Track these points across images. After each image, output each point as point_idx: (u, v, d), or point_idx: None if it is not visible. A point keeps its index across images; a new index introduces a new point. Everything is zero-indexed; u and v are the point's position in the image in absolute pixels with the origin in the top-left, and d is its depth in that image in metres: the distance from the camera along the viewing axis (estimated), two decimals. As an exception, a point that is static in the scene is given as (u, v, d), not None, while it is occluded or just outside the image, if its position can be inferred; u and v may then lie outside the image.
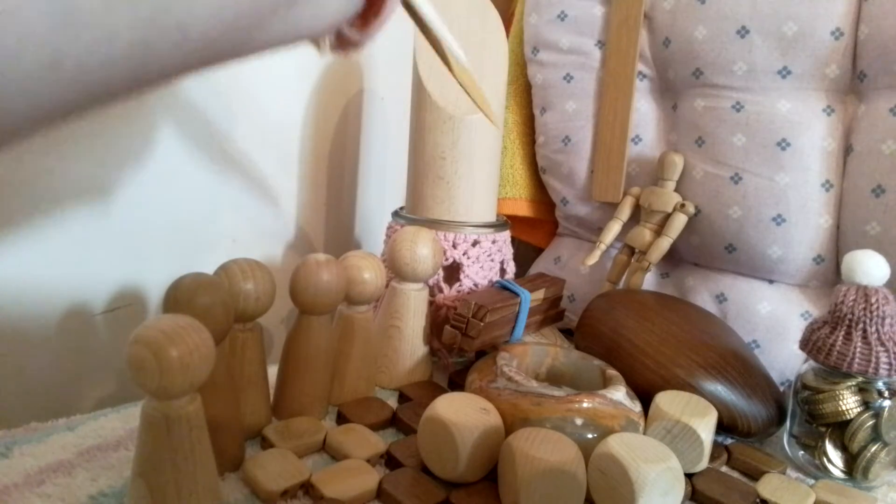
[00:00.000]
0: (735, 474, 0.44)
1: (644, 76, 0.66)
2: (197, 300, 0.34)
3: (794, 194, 0.57)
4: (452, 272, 0.57)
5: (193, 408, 0.31)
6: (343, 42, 0.24)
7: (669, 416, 0.41)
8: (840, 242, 0.57)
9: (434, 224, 0.55)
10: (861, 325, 0.43)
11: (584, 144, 0.69)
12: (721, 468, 0.44)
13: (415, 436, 0.40)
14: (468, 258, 0.56)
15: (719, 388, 0.46)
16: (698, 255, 0.64)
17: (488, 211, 0.59)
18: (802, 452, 0.46)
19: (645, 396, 0.44)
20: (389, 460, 0.40)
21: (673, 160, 0.62)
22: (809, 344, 0.46)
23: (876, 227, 0.54)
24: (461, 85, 0.31)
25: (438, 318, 0.55)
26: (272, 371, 0.44)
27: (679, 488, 0.35)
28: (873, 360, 0.42)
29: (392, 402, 0.48)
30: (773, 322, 0.58)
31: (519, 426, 0.38)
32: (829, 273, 0.58)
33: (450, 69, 0.30)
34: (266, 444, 0.40)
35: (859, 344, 0.43)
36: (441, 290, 0.56)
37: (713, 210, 0.61)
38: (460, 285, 0.56)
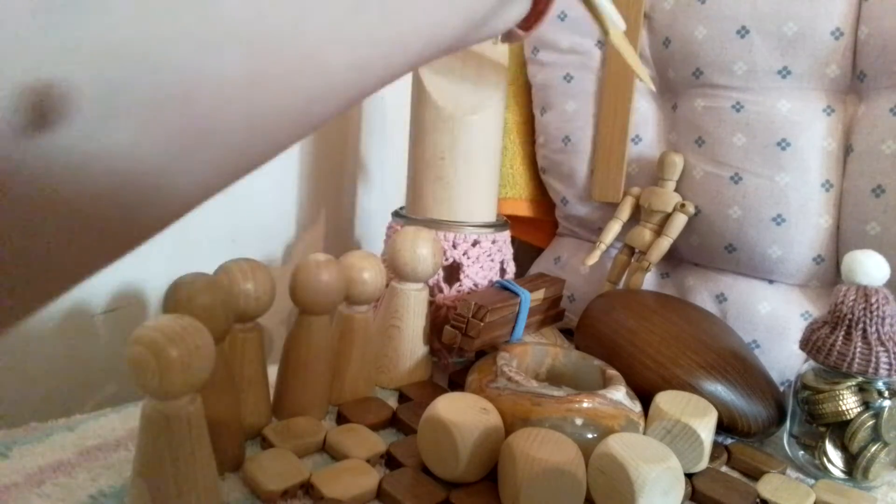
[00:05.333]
0: (735, 474, 0.44)
1: (644, 76, 0.66)
2: (197, 300, 0.34)
3: (794, 194, 0.57)
4: (452, 272, 0.57)
5: (193, 408, 0.31)
6: (510, 36, 0.28)
7: (669, 416, 0.41)
8: (840, 242, 0.57)
9: (434, 224, 0.55)
10: (861, 325, 0.43)
11: (584, 144, 0.69)
12: (721, 468, 0.44)
13: (415, 436, 0.40)
14: (468, 258, 0.56)
15: (719, 388, 0.46)
16: (698, 255, 0.64)
17: (488, 211, 0.59)
18: (802, 452, 0.46)
19: (645, 396, 0.44)
20: (389, 460, 0.40)
21: (673, 160, 0.62)
22: (809, 344, 0.46)
23: (876, 227, 0.54)
24: (619, 49, 0.33)
25: (438, 318, 0.55)
26: (272, 371, 0.44)
27: (679, 488, 0.35)
28: (873, 360, 0.42)
29: (392, 402, 0.48)
30: (773, 322, 0.58)
31: (519, 426, 0.38)
32: (829, 273, 0.58)
33: (606, 35, 0.32)
34: (266, 444, 0.40)
35: (859, 344, 0.43)
36: (441, 290, 0.56)
37: (713, 210, 0.61)
38: (460, 285, 0.56)
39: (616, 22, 0.31)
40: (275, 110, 0.14)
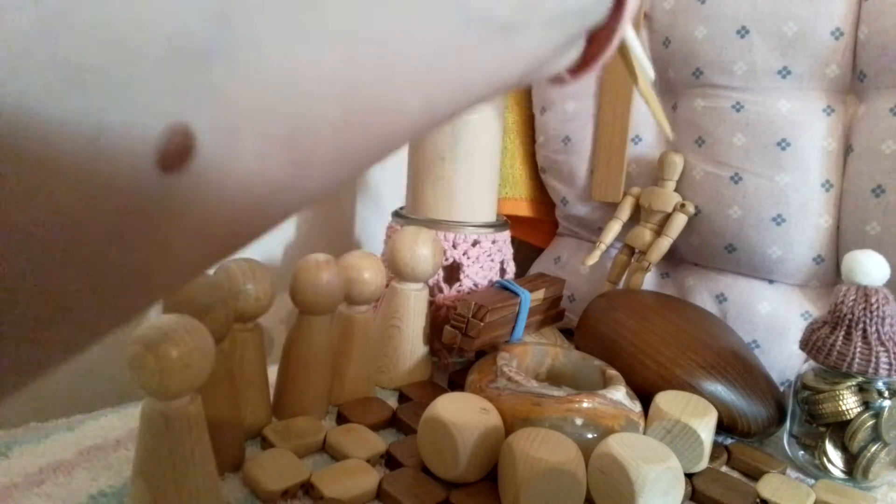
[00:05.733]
0: (735, 474, 0.44)
1: (644, 76, 0.66)
2: (197, 300, 0.34)
3: (794, 194, 0.57)
4: (452, 272, 0.57)
5: (193, 408, 0.31)
6: (557, 80, 0.28)
7: (669, 416, 0.41)
8: (840, 242, 0.57)
9: (434, 224, 0.55)
10: (861, 326, 0.43)
11: (584, 144, 0.69)
12: (721, 468, 0.44)
13: (415, 436, 0.40)
14: (468, 258, 0.56)
15: (719, 388, 0.46)
16: (698, 255, 0.64)
17: (488, 211, 0.59)
18: (802, 452, 0.46)
19: (645, 396, 0.44)
20: (389, 460, 0.40)
21: (673, 160, 0.62)
22: (809, 344, 0.46)
23: (876, 227, 0.54)
24: (644, 99, 0.33)
25: (438, 318, 0.55)
26: (272, 371, 0.44)
27: (679, 488, 0.35)
28: (873, 360, 0.42)
29: (392, 402, 0.48)
30: (773, 322, 0.58)
31: (519, 426, 0.38)
32: (829, 273, 0.58)
33: (635, 82, 0.32)
34: (266, 444, 0.40)
35: (859, 344, 0.43)
36: (441, 290, 0.56)
37: (713, 210, 0.61)
38: (460, 285, 0.56)
39: (647, 71, 0.32)
40: (358, 149, 0.17)
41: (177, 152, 0.12)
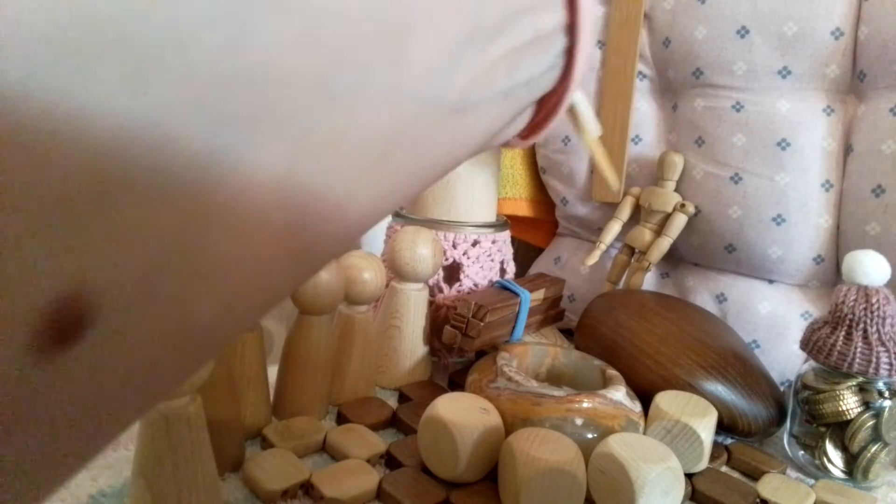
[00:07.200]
0: (735, 474, 0.44)
1: (644, 76, 0.66)
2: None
3: (794, 194, 0.57)
4: (452, 272, 0.57)
5: (193, 408, 0.31)
6: (507, 144, 0.29)
7: (669, 416, 0.41)
8: (840, 242, 0.57)
9: (434, 224, 0.55)
10: (862, 326, 0.43)
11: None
12: (721, 468, 0.44)
13: (415, 436, 0.40)
14: (468, 258, 0.56)
15: (719, 388, 0.46)
16: (698, 255, 0.64)
17: (488, 211, 0.59)
18: (802, 452, 0.46)
19: (645, 396, 0.44)
20: (389, 460, 0.40)
21: (673, 160, 0.62)
22: (810, 344, 0.46)
23: (876, 227, 0.54)
24: (592, 153, 0.34)
25: (438, 318, 0.55)
26: (272, 371, 0.44)
27: (679, 488, 0.35)
28: (874, 360, 0.42)
29: (392, 402, 0.48)
30: (773, 322, 0.58)
31: (519, 426, 0.38)
32: (830, 273, 0.58)
33: (582, 136, 0.33)
34: (266, 444, 0.40)
35: (860, 344, 0.43)
36: (441, 290, 0.56)
37: (713, 210, 0.61)
38: (460, 285, 0.56)
39: (592, 128, 0.32)
40: (302, 255, 0.15)
41: (61, 327, 0.09)
